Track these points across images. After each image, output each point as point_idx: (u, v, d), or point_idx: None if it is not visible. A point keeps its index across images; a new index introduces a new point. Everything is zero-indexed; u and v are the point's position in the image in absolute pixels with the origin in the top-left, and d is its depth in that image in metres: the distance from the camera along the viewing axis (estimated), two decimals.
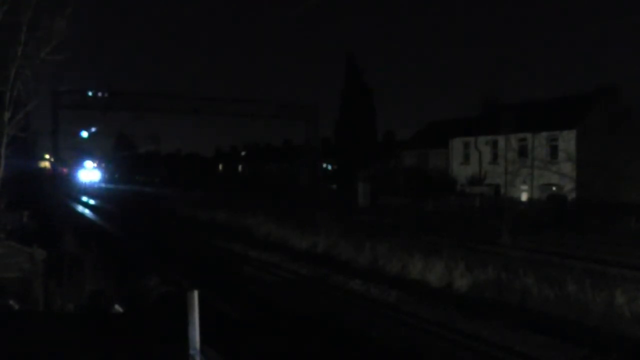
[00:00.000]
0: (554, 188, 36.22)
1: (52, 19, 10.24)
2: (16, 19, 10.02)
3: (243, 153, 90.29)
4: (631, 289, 11.21)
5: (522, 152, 38.62)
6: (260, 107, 48.16)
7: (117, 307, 10.70)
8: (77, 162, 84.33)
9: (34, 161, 48.57)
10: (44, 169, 57.15)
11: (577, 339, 9.79)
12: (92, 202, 49.03)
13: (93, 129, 53.19)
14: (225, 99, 48.24)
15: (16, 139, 11.13)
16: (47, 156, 55.15)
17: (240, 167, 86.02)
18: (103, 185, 78.04)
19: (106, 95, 43.95)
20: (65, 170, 75.48)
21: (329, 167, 57.59)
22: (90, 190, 63.11)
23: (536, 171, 37.29)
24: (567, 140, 35.85)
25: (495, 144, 41.18)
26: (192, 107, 46.54)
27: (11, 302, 10.02)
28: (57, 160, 53.63)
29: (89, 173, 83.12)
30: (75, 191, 61.12)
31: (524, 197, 37.83)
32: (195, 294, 5.36)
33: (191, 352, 5.24)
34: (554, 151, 36.97)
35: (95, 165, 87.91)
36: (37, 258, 11.09)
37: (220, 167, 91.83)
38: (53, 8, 10.25)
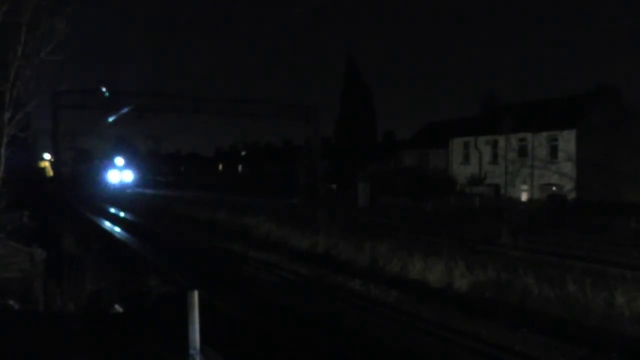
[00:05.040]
0: (554, 188, 36.23)
1: (52, 19, 10.24)
2: (16, 19, 10.02)
3: (243, 153, 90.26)
4: (631, 289, 11.21)
5: (522, 152, 38.67)
6: (260, 107, 48.15)
7: (117, 307, 10.70)
8: (101, 159, 68.84)
9: (34, 160, 47.89)
10: (45, 168, 55.20)
11: (577, 339, 9.79)
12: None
13: (124, 110, 43.27)
14: (225, 99, 48.22)
15: (16, 138, 11.13)
16: (47, 156, 54.07)
17: (240, 167, 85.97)
18: (139, 189, 61.44)
19: (106, 95, 43.88)
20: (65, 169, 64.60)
21: (329, 167, 57.56)
22: (121, 198, 48.31)
23: (536, 171, 37.33)
24: (567, 140, 35.87)
25: (495, 144, 41.20)
26: (192, 107, 46.53)
27: (11, 302, 10.02)
28: (58, 161, 52.22)
29: (120, 173, 66.43)
30: (100, 198, 47.52)
31: (524, 197, 37.86)
32: (195, 294, 5.36)
33: (191, 352, 5.24)
34: (554, 151, 36.98)
35: (125, 163, 69.38)
36: (37, 258, 11.08)
37: (220, 167, 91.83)
38: (53, 8, 10.26)
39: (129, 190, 58.04)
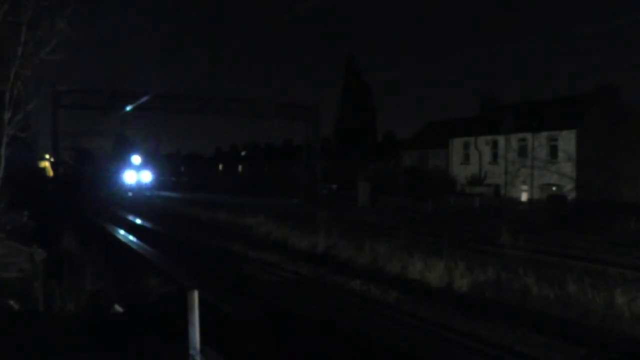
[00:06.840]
0: (554, 188, 36.24)
1: (52, 19, 10.24)
2: (16, 19, 10.02)
3: (243, 153, 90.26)
4: (631, 289, 11.21)
5: (522, 152, 38.67)
6: (260, 107, 48.06)
7: (117, 307, 10.71)
8: (109, 158, 62.39)
9: (34, 160, 47.54)
10: (45, 168, 54.50)
11: (577, 339, 9.79)
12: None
13: (143, 99, 39.01)
14: (225, 99, 48.14)
15: (16, 138, 11.13)
16: (47, 156, 53.65)
17: (240, 167, 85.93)
18: (160, 192, 54.60)
19: (106, 94, 43.78)
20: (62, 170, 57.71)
21: (329, 167, 57.41)
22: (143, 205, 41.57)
23: (536, 171, 37.34)
24: (567, 140, 35.89)
25: (495, 144, 41.21)
26: (192, 107, 46.50)
27: (11, 302, 10.02)
28: (58, 161, 51.60)
29: (138, 174, 59.16)
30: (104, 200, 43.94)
31: (524, 197, 37.88)
32: (195, 294, 5.37)
33: (191, 352, 5.25)
34: (554, 151, 37.00)
35: (142, 162, 61.08)
36: (37, 258, 11.08)
37: (220, 167, 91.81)
38: (53, 8, 10.26)
39: (147, 193, 52.76)
